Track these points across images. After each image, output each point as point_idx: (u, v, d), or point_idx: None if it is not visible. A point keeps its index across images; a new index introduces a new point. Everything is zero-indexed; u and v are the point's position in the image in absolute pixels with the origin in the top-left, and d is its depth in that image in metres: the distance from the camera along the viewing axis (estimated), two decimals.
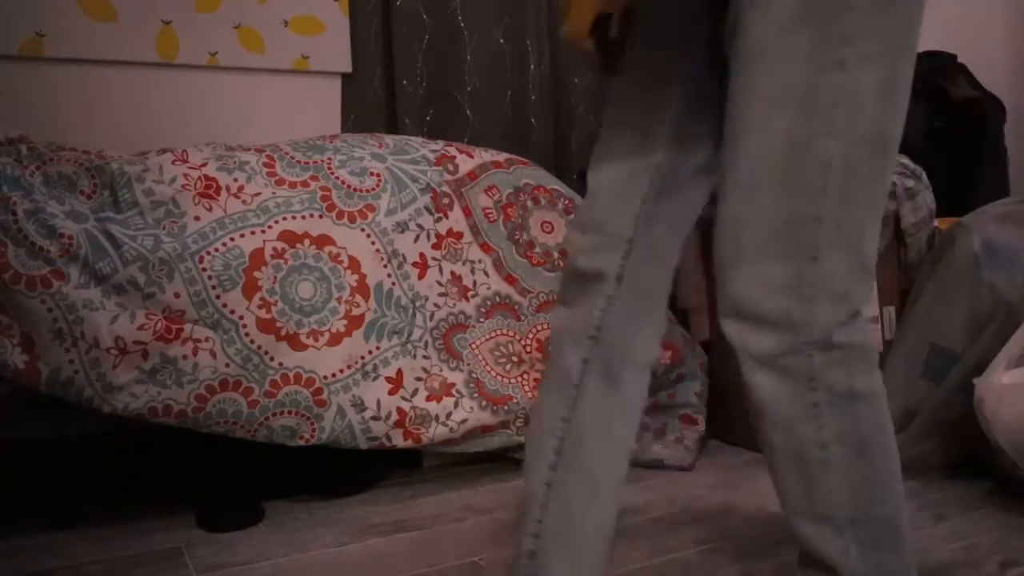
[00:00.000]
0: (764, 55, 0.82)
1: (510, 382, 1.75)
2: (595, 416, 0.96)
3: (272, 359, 1.52)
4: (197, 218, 1.52)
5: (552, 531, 0.95)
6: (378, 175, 1.72)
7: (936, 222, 1.96)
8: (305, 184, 1.64)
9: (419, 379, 1.67)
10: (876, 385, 0.88)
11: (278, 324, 1.53)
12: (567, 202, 1.91)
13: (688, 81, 0.95)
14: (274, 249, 1.55)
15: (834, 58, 0.80)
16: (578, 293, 0.98)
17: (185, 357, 1.45)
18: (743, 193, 0.85)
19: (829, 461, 0.87)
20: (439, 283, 1.73)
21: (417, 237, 1.71)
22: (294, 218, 1.59)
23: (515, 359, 1.77)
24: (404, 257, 1.69)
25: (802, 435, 0.87)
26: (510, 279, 1.80)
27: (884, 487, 0.90)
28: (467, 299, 1.76)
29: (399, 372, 1.64)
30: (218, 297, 1.49)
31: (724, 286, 0.87)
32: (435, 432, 1.65)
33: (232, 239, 1.52)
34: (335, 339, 1.58)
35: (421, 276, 1.71)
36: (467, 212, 1.79)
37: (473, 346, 1.74)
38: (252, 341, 1.50)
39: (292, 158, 1.68)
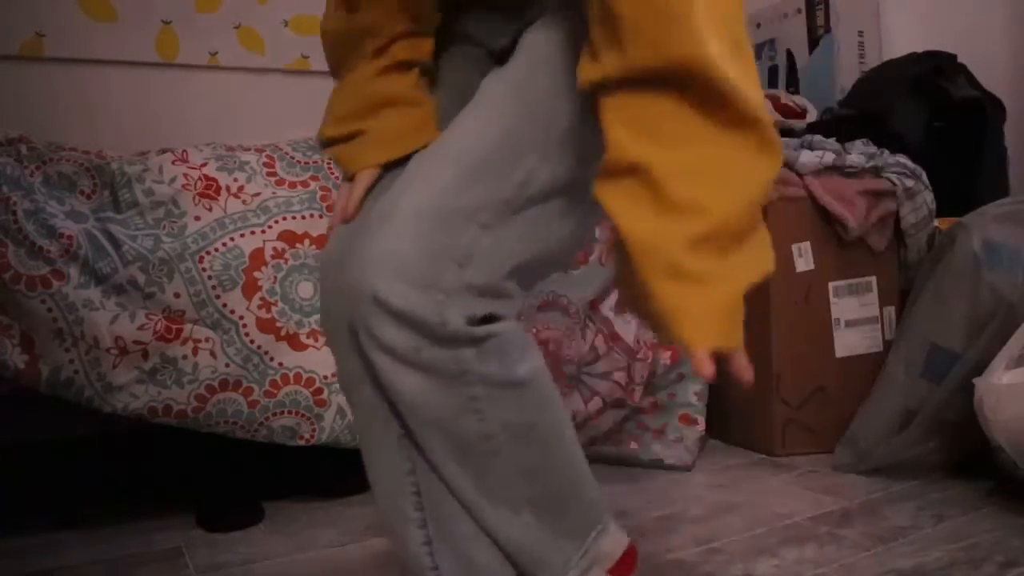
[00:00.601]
0: (495, 81, 0.85)
1: None
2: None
3: (272, 359, 1.52)
4: (197, 218, 1.52)
5: None
6: None
7: (936, 222, 1.95)
8: (305, 184, 1.64)
9: None
10: (536, 364, 0.83)
11: (278, 324, 1.53)
12: None
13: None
14: (274, 249, 1.55)
15: (538, 96, 0.80)
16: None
17: (185, 357, 1.45)
18: (417, 178, 0.80)
19: (498, 450, 0.81)
20: None
21: None
22: (294, 218, 1.59)
23: None
24: None
25: (463, 430, 0.80)
26: None
27: (558, 461, 0.86)
28: None
29: None
30: (218, 297, 1.49)
31: (362, 280, 0.76)
32: None
33: (232, 239, 1.52)
34: None
35: None
36: None
37: None
38: (252, 341, 1.50)
39: (292, 158, 1.68)
